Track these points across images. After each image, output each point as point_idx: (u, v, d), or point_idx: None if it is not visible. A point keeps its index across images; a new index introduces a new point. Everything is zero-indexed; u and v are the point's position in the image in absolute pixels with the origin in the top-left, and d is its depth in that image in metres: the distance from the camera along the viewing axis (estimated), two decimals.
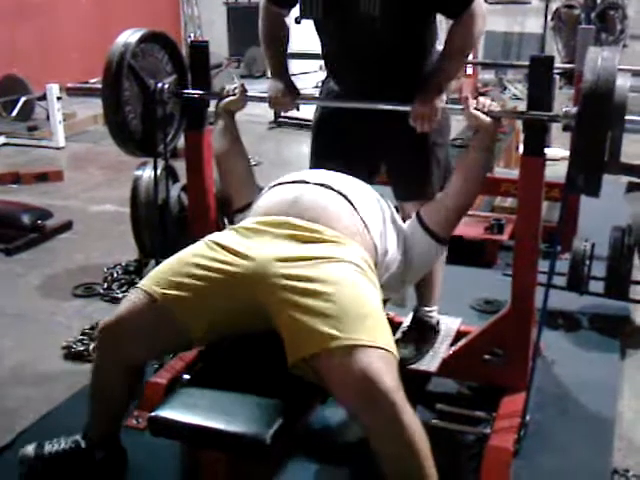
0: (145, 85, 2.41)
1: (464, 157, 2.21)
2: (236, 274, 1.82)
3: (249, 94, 2.39)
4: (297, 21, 2.31)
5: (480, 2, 2.21)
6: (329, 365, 1.68)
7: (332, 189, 2.03)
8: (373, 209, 2.09)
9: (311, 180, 2.08)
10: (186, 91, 2.50)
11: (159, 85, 2.41)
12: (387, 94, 2.28)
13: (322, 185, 2.05)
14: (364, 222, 2.01)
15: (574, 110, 1.98)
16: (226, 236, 1.95)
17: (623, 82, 1.87)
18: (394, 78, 2.33)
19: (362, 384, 1.62)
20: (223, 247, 1.88)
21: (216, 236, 1.96)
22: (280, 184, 2.14)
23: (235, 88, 2.38)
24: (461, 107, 2.16)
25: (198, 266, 1.86)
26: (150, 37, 2.45)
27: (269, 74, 2.43)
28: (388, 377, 1.63)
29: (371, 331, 1.70)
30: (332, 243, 1.89)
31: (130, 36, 2.36)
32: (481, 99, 2.15)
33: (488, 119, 2.12)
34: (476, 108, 2.12)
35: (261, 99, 2.41)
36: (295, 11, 2.35)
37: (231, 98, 2.37)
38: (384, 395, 1.60)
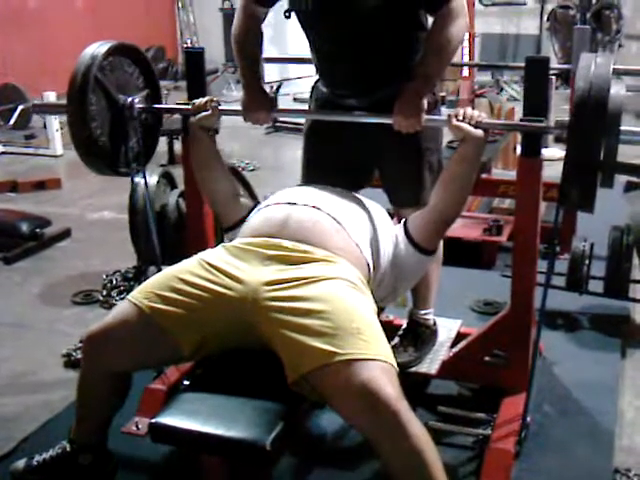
0: (113, 100, 2.33)
1: (448, 168, 2.12)
2: (226, 296, 1.83)
3: (223, 107, 2.30)
4: (286, 15, 2.27)
5: (462, 3, 2.19)
6: (329, 381, 1.68)
7: (320, 210, 2.01)
8: (363, 225, 2.07)
9: (299, 201, 2.06)
10: (157, 106, 2.45)
11: (129, 100, 2.34)
12: (376, 94, 2.28)
13: (311, 206, 2.03)
14: (354, 241, 1.99)
15: (566, 121, 1.91)
16: (218, 255, 1.94)
17: (618, 90, 1.81)
18: (383, 75, 2.30)
19: (364, 397, 1.62)
20: (215, 268, 1.88)
21: (208, 255, 1.96)
22: (268, 206, 2.12)
23: (207, 102, 2.26)
24: (444, 119, 2.11)
25: (189, 284, 1.86)
26: (119, 50, 2.35)
27: (241, 84, 2.33)
28: (389, 387, 1.63)
29: (368, 344, 1.70)
30: (322, 262, 1.88)
31: (97, 49, 2.26)
32: (468, 110, 2.07)
33: (474, 130, 2.03)
34: (462, 120, 2.04)
35: (236, 112, 2.31)
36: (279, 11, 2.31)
37: (204, 114, 2.24)
38: (386, 405, 1.60)
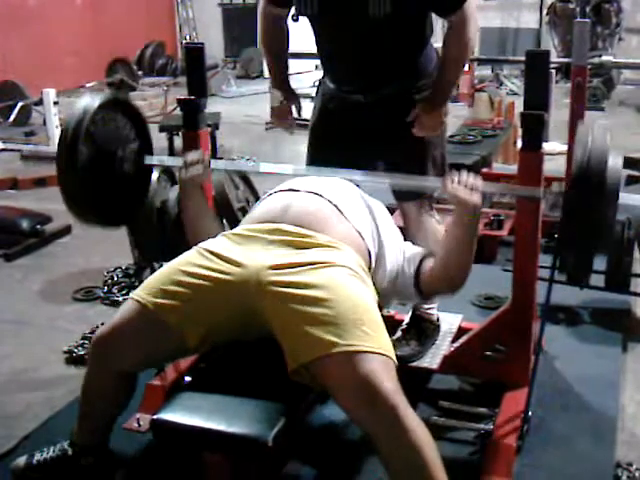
0: (104, 154, 2.24)
1: (447, 235, 2.07)
2: (229, 282, 1.82)
3: (214, 167, 2.28)
4: (294, 19, 2.31)
5: (471, 3, 2.21)
6: (329, 371, 1.68)
7: (322, 197, 2.02)
8: (364, 215, 2.07)
9: (301, 188, 2.07)
10: (148, 161, 2.37)
11: (119, 154, 2.26)
12: (382, 90, 2.29)
13: (312, 193, 2.03)
14: (355, 228, 1.99)
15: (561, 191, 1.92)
16: (218, 243, 1.94)
17: (615, 162, 1.78)
18: (390, 73, 2.33)
19: (363, 389, 1.62)
20: (215, 255, 1.88)
21: (208, 243, 1.96)
22: (271, 195, 2.12)
23: (199, 161, 2.19)
24: (439, 184, 2.04)
25: (191, 274, 1.86)
26: (111, 104, 2.25)
27: (270, 83, 2.51)
28: (388, 382, 1.63)
29: (369, 336, 1.70)
30: (325, 247, 1.88)
31: (89, 104, 2.16)
32: (464, 175, 1.97)
33: (469, 197, 1.93)
34: (457, 185, 1.96)
35: (225, 169, 2.38)
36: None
37: (195, 173, 2.17)
38: (385, 398, 1.60)
